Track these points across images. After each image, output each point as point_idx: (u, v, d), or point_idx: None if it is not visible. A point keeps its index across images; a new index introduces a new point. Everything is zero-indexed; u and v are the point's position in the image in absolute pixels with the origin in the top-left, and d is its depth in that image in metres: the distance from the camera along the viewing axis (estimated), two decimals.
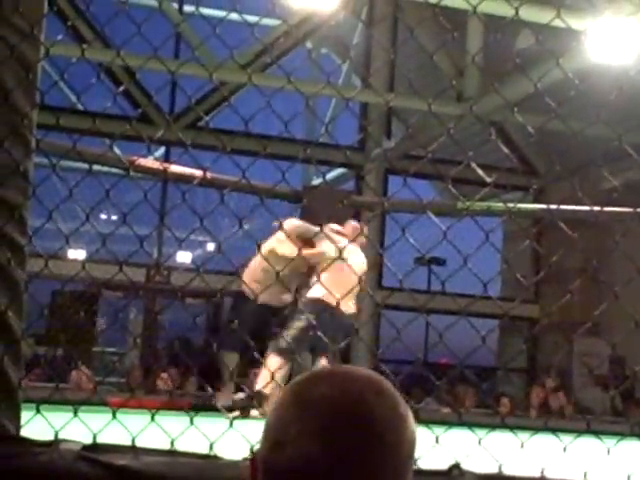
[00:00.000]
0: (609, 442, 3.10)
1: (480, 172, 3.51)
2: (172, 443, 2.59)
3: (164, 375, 10.59)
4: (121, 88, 11.74)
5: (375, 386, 1.20)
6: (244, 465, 1.25)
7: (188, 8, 13.49)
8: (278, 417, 1.19)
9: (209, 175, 5.29)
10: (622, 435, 3.61)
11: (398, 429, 1.18)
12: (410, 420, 1.21)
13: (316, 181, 14.26)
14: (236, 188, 4.69)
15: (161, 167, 7.10)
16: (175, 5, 13.29)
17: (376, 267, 12.30)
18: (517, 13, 3.42)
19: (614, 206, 6.63)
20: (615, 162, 6.38)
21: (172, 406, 5.66)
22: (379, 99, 11.91)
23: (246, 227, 5.74)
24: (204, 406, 6.21)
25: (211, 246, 14.61)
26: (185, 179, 5.70)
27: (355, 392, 1.18)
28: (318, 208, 6.62)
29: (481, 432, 3.02)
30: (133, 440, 2.60)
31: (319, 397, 1.17)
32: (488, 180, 3.56)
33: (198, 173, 5.00)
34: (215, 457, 2.48)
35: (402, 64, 13.81)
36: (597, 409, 11.51)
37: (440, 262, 14.85)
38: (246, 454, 1.26)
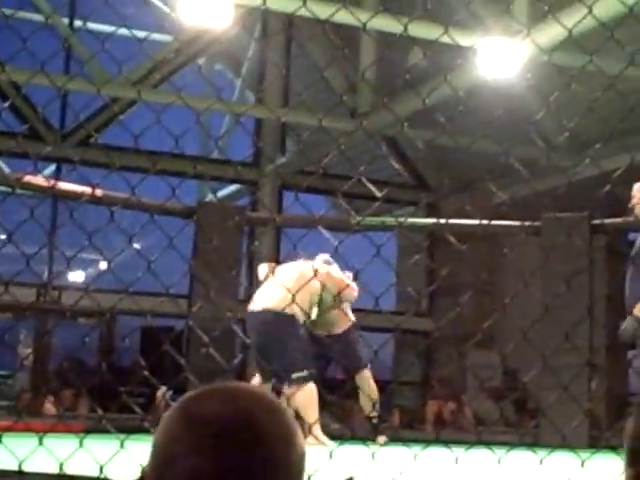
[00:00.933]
0: (500, 452, 3.15)
1: (371, 187, 3.55)
2: (61, 466, 2.53)
3: (51, 398, 10.35)
4: (6, 103, 11.49)
5: (264, 403, 1.20)
6: None
7: (79, 23, 13.30)
8: (167, 434, 1.17)
9: (99, 192, 5.22)
10: (512, 445, 3.67)
11: (287, 445, 1.18)
12: (299, 436, 1.22)
13: (212, 198, 14.20)
14: (126, 205, 4.63)
15: (49, 184, 6.98)
16: (65, 20, 13.08)
17: None
18: (406, 29, 3.47)
19: (503, 220, 6.78)
20: (504, 177, 6.52)
21: (62, 429, 5.54)
22: (272, 115, 11.94)
23: (138, 245, 5.69)
24: (96, 428, 6.11)
25: (104, 265, 14.41)
26: (74, 196, 5.62)
27: (244, 409, 1.17)
28: (211, 224, 6.59)
29: (374, 446, 3.03)
30: (20, 464, 2.53)
31: (208, 413, 1.16)
32: (378, 195, 3.60)
33: (88, 190, 4.93)
34: (105, 479, 2.44)
35: (296, 80, 13.86)
36: (490, 420, 11.70)
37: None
38: (137, 475, 1.23)
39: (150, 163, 3.51)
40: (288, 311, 5.80)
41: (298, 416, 6.31)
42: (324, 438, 6.12)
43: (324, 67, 10.79)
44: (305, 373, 6.13)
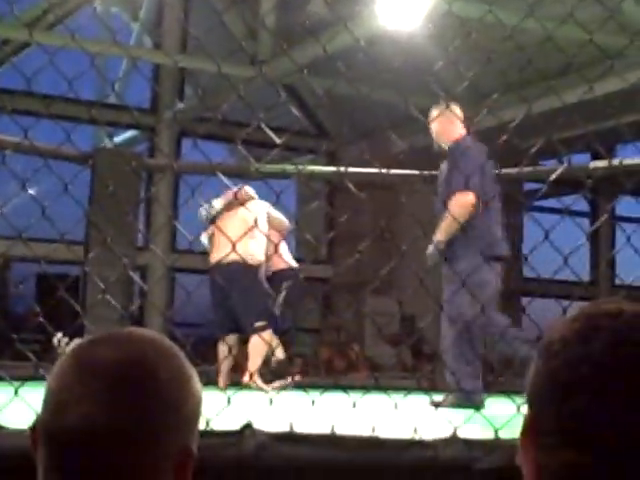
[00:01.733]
0: (396, 397, 3.20)
1: (270, 133, 3.52)
2: None
3: None
4: None
5: (158, 347, 1.19)
6: (28, 434, 1.20)
7: None
8: (59, 382, 1.15)
9: None
10: (410, 389, 3.73)
11: (182, 389, 1.18)
12: (195, 380, 1.21)
13: (108, 143, 13.97)
14: (18, 149, 4.51)
15: None
16: None
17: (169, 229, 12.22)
18: None
19: (402, 169, 6.83)
20: (403, 127, 6.56)
21: None
22: (170, 60, 11.76)
23: (32, 191, 5.55)
24: None
25: None
26: None
27: (137, 353, 1.16)
28: (108, 170, 6.48)
29: (273, 392, 3.04)
30: None
31: (100, 359, 1.15)
32: (278, 141, 3.58)
33: None
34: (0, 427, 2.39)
35: (195, 25, 13.66)
36: (388, 366, 11.89)
37: None
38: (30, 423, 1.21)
39: (44, 106, 3.42)
40: (252, 262, 6.13)
41: (279, 362, 6.56)
42: (263, 385, 6.35)
43: (223, 12, 10.64)
44: (265, 322, 6.58)
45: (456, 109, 5.58)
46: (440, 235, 5.27)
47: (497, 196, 5.46)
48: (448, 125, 5.57)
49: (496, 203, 5.49)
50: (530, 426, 1.12)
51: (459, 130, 5.63)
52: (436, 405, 4.22)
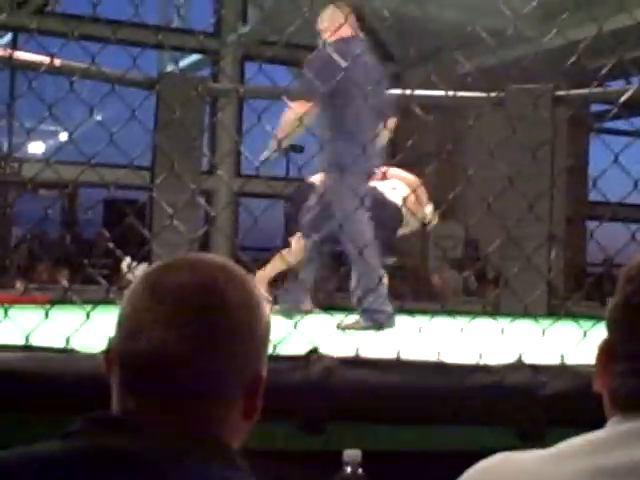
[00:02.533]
0: (462, 321, 3.20)
1: (335, 56, 3.48)
2: (27, 338, 2.54)
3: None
4: None
5: (227, 272, 1.20)
6: (102, 358, 1.23)
7: None
8: (132, 307, 1.17)
9: (57, 62, 5.09)
10: (475, 314, 3.73)
11: (251, 314, 1.19)
12: (263, 305, 1.23)
13: (171, 68, 13.96)
14: (86, 75, 4.53)
15: (6, 54, 6.80)
16: None
17: (234, 154, 12.25)
18: None
19: (468, 91, 6.73)
20: (469, 47, 6.45)
21: (27, 301, 5.55)
22: None
23: (99, 117, 5.59)
24: (61, 300, 6.10)
25: (64, 136, 14.20)
26: (33, 66, 5.48)
27: (208, 278, 1.18)
28: (173, 95, 6.49)
29: (340, 315, 3.07)
30: None
31: (171, 284, 1.16)
32: (343, 64, 3.54)
33: (46, 60, 4.81)
34: (72, 351, 2.45)
35: None
36: (453, 290, 11.88)
37: (298, 149, 14.85)
38: (104, 346, 1.24)
39: (109, 32, 3.42)
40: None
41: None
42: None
43: None
44: None
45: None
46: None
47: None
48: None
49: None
50: (606, 351, 1.13)
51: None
52: (343, 328, 3.91)
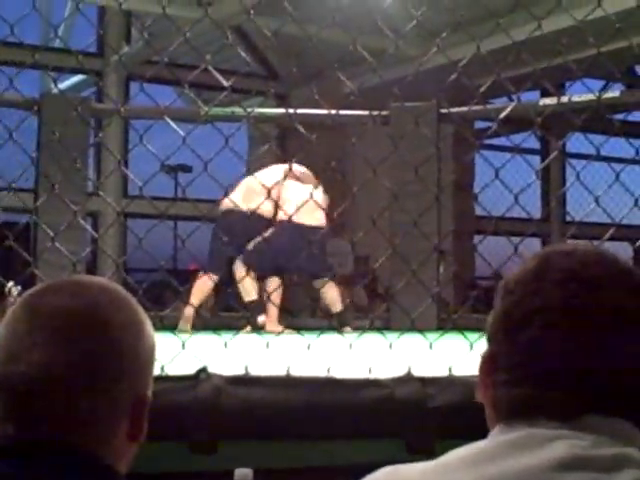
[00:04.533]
0: (351, 337, 3.22)
1: (218, 76, 3.49)
2: None
3: None
4: None
5: (109, 293, 1.18)
6: None
7: None
8: (11, 331, 1.14)
9: None
10: (364, 329, 3.75)
11: (136, 334, 1.17)
12: (148, 326, 1.21)
13: (54, 89, 13.73)
14: None
15: None
16: None
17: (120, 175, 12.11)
18: None
19: (352, 109, 6.79)
20: (352, 66, 6.52)
21: None
22: (114, 2, 11.53)
23: None
24: None
25: None
26: None
27: (89, 300, 1.15)
28: (54, 116, 6.39)
29: (227, 335, 3.05)
30: None
31: (51, 307, 1.14)
32: (226, 84, 3.54)
33: None
34: None
35: None
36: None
37: (186, 169, 14.79)
38: None
39: None
40: None
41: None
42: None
43: None
44: None
45: None
46: None
47: None
48: None
49: None
50: (487, 363, 1.14)
51: None
52: None
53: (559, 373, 1.07)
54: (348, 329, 6.51)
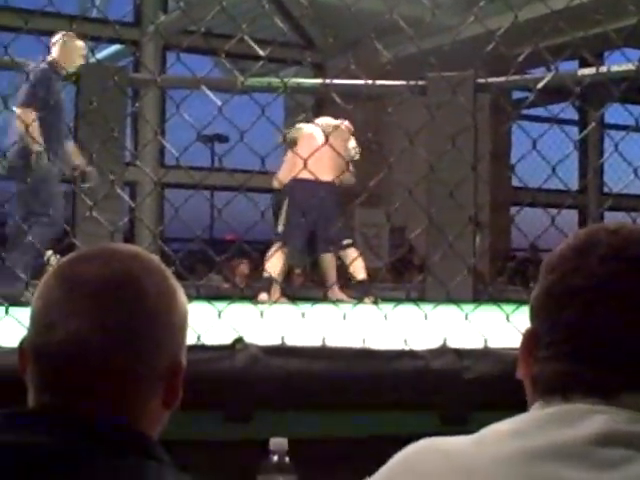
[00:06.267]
0: (386, 307, 3.22)
1: (254, 45, 3.48)
2: None
3: None
4: None
5: (142, 261, 1.19)
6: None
7: None
8: (45, 300, 1.15)
9: None
10: (399, 300, 3.75)
11: (168, 302, 1.18)
12: (180, 293, 1.21)
13: (92, 59, 13.77)
14: None
15: None
16: None
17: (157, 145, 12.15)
18: None
19: (389, 79, 6.76)
20: (389, 36, 6.48)
21: None
22: None
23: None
24: None
25: None
26: None
27: (122, 268, 1.16)
28: (92, 86, 6.42)
29: (263, 305, 3.06)
30: None
31: (85, 275, 1.14)
32: (262, 54, 3.53)
33: None
34: None
35: None
36: (377, 277, 11.93)
37: (223, 139, 14.79)
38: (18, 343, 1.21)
39: (22, 21, 3.36)
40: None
41: (351, 277, 7.02)
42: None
43: None
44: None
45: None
46: None
47: None
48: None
49: None
50: (529, 340, 1.14)
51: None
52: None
53: (599, 351, 1.07)
54: (370, 299, 6.48)
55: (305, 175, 6.05)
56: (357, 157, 7.18)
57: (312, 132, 6.85)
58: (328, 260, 7.32)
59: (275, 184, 7.47)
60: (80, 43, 6.20)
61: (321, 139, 6.78)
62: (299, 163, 6.43)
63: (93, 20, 12.31)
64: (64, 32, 5.97)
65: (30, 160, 5.46)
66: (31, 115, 5.44)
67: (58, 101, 5.76)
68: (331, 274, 7.31)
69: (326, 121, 7.04)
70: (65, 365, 1.11)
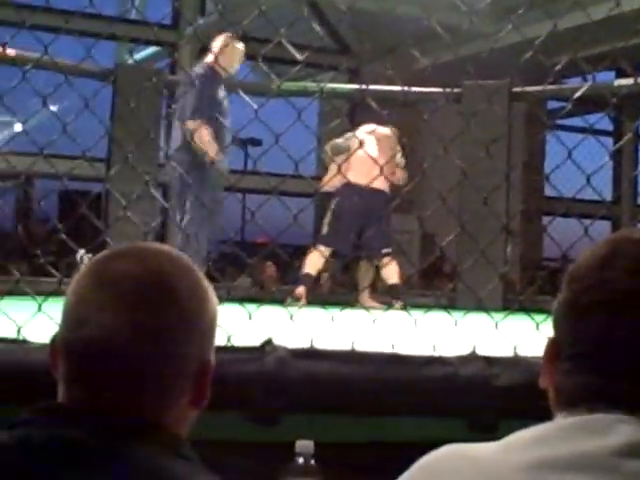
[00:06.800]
0: (416, 314, 3.22)
1: (292, 50, 3.50)
2: None
3: None
4: None
5: (174, 260, 1.20)
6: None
7: None
8: (78, 296, 1.16)
9: (11, 52, 5.04)
10: (429, 307, 3.75)
11: (200, 303, 1.19)
12: (211, 294, 1.22)
13: (130, 60, 13.87)
14: (39, 65, 4.48)
15: None
16: None
17: None
18: None
19: (424, 86, 6.75)
20: (426, 42, 6.47)
21: None
22: None
23: (54, 108, 5.52)
24: (13, 291, 6.02)
25: (19, 127, 13.99)
26: None
27: (154, 267, 1.17)
28: (129, 86, 6.45)
29: (293, 308, 3.07)
30: None
31: (118, 272, 1.15)
32: (299, 58, 3.54)
33: None
34: (23, 341, 2.43)
35: None
36: (408, 284, 11.89)
37: (256, 143, 14.83)
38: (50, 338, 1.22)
39: (63, 22, 3.39)
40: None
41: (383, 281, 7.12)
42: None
43: None
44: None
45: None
46: None
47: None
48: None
49: None
50: (551, 350, 1.14)
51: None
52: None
53: (624, 365, 1.06)
54: (399, 304, 6.46)
55: (358, 180, 6.14)
56: (404, 163, 7.22)
57: (364, 139, 6.85)
58: (365, 267, 7.33)
59: (324, 188, 7.47)
60: (241, 45, 6.24)
61: (374, 146, 6.82)
62: (351, 168, 6.48)
63: (132, 21, 12.42)
64: (228, 34, 6.14)
65: (202, 170, 5.66)
66: (205, 131, 5.61)
67: (222, 111, 5.79)
68: (365, 281, 7.31)
69: (378, 129, 7.06)
70: (95, 361, 1.12)
